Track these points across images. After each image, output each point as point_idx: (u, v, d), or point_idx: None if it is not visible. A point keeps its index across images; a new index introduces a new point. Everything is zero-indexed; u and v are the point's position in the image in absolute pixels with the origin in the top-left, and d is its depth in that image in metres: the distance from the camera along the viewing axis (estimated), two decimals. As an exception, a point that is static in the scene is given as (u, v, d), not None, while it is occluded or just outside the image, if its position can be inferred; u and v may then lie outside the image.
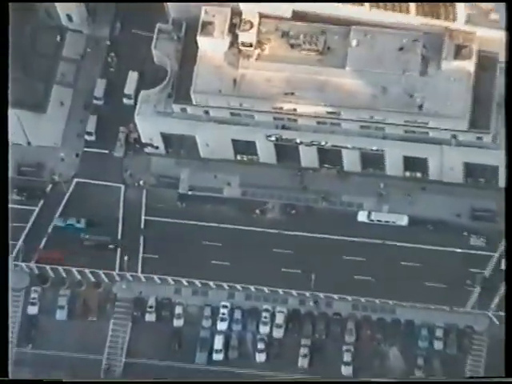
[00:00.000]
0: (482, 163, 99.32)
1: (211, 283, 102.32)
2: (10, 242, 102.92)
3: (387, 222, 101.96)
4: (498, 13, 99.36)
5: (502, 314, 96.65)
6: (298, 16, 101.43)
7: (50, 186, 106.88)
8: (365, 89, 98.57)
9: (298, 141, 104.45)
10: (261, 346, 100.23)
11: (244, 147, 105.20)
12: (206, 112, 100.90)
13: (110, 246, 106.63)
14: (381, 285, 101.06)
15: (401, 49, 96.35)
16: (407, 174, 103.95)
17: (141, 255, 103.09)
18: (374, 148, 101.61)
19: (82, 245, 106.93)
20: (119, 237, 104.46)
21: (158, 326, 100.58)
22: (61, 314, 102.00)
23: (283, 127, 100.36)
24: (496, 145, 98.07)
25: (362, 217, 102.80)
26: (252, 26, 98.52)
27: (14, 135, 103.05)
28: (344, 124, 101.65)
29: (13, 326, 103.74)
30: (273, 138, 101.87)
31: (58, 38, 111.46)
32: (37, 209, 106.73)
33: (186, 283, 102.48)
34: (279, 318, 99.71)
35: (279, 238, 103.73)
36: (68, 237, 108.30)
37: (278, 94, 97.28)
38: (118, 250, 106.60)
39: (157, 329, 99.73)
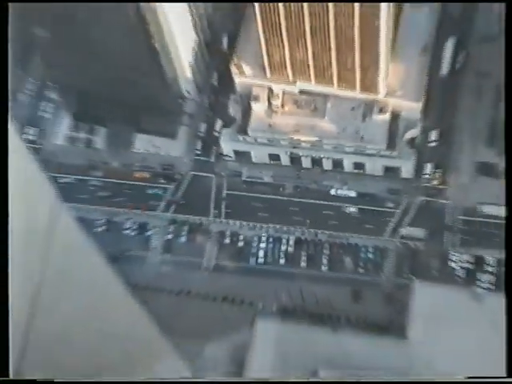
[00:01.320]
0: (392, 166, 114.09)
1: (257, 224, 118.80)
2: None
3: (345, 195, 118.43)
4: (402, 89, 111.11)
5: (404, 241, 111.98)
6: (302, 92, 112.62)
7: (179, 175, 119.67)
8: (335, 129, 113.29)
9: (301, 154, 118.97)
10: (282, 256, 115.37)
11: (274, 157, 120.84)
12: (256, 139, 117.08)
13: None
14: (342, 225, 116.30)
15: (352, 108, 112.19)
16: (355, 171, 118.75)
17: (223, 210, 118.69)
18: (339, 158, 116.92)
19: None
20: (212, 202, 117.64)
21: (230, 246, 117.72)
22: (183, 239, 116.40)
23: (294, 147, 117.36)
24: (399, 156, 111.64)
25: (332, 192, 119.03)
26: (278, 97, 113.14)
27: (160, 150, 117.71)
28: (324, 146, 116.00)
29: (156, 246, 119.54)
30: (289, 153, 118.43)
31: (180, 101, 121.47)
32: (172, 187, 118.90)
33: (245, 224, 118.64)
34: (291, 242, 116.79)
35: (292, 203, 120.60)
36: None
37: (292, 131, 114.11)
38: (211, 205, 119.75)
39: (230, 247, 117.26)
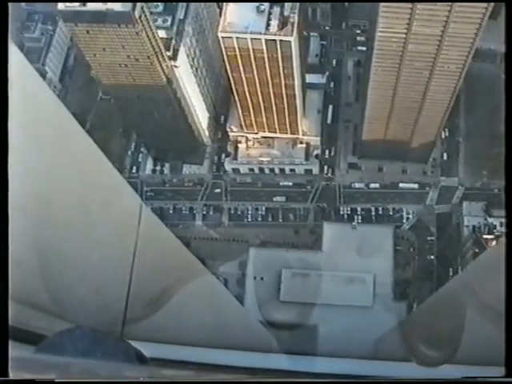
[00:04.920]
0: (308, 168, 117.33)
1: (247, 203, 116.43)
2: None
3: (286, 184, 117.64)
4: (309, 130, 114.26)
5: (317, 204, 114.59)
6: (262, 136, 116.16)
7: (205, 183, 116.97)
8: (279, 154, 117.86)
9: (264, 167, 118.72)
10: (259, 217, 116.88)
11: (251, 170, 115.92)
12: (241, 162, 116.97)
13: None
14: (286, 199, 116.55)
15: (287, 143, 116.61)
16: (291, 173, 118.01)
17: (229, 196, 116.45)
18: (282, 167, 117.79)
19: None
20: (223, 194, 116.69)
21: (234, 213, 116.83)
22: (210, 212, 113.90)
23: (260, 164, 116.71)
24: (311, 163, 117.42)
25: (280, 183, 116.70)
26: (251, 140, 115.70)
27: (195, 171, 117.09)
28: (275, 162, 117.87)
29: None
30: (258, 167, 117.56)
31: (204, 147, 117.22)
32: (202, 188, 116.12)
33: (240, 203, 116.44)
34: (263, 209, 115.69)
35: (262, 190, 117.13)
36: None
37: (258, 156, 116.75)
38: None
39: (234, 214, 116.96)
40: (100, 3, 75.72)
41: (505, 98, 8.17)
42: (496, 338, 7.27)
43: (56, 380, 4.80)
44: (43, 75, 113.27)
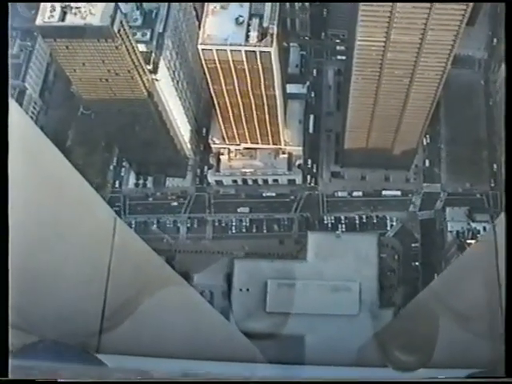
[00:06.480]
0: (291, 178, 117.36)
1: (230, 214, 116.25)
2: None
3: (269, 194, 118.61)
4: (291, 140, 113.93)
5: (301, 213, 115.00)
6: (244, 148, 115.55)
7: (188, 195, 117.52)
8: (262, 164, 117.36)
9: (247, 178, 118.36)
10: (243, 228, 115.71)
11: (234, 181, 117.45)
12: (224, 174, 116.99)
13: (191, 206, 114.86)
14: (268, 209, 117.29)
15: (270, 153, 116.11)
16: (274, 183, 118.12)
17: (212, 209, 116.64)
18: (265, 178, 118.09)
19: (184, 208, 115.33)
20: (206, 206, 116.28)
21: (218, 226, 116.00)
22: (195, 225, 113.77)
23: (243, 175, 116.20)
24: (294, 173, 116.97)
25: (263, 194, 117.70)
26: (233, 152, 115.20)
27: (178, 184, 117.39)
28: (258, 173, 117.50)
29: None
30: (241, 179, 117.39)
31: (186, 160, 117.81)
32: (186, 201, 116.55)
33: (224, 215, 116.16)
34: (247, 220, 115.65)
35: (245, 201, 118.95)
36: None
37: (241, 168, 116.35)
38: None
39: (218, 226, 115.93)
40: (78, 18, 76.26)
41: (505, 99, 9.12)
42: (463, 341, 7.34)
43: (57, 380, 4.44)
44: (23, 92, 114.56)
